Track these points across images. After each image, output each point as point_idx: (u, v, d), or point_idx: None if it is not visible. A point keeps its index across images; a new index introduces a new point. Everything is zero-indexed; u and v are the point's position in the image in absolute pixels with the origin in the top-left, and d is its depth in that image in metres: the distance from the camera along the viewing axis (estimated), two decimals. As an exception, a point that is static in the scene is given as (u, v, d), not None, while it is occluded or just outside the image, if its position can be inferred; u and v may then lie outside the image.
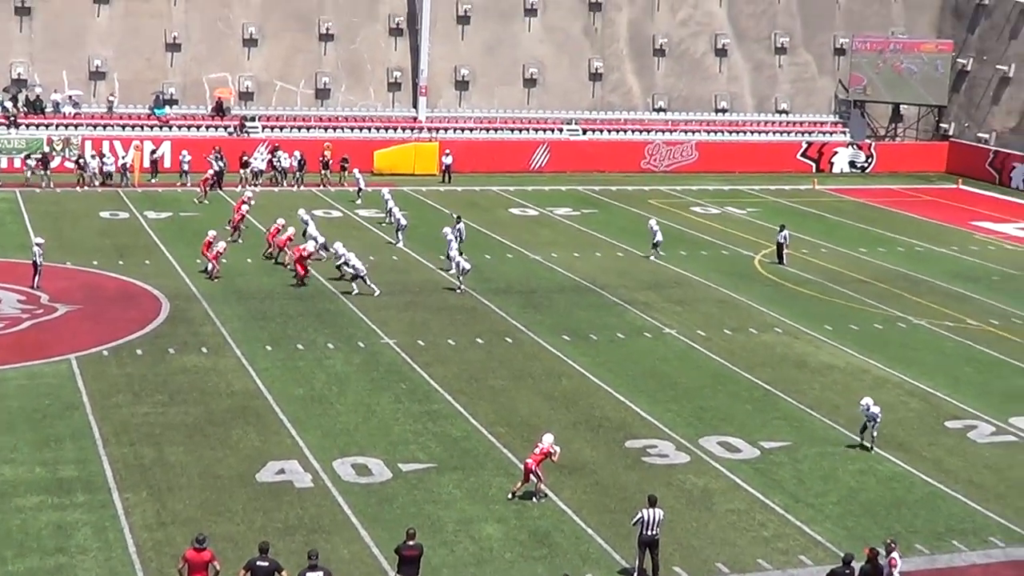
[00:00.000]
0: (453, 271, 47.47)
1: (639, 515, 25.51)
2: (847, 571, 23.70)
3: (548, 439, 29.30)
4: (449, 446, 32.21)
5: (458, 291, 46.32)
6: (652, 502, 25.75)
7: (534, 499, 28.90)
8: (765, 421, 35.17)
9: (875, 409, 33.09)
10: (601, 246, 56.60)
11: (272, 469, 30.11)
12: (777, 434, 34.19)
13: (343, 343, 40.15)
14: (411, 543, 23.70)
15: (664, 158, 79.53)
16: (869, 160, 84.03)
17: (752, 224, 63.83)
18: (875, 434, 33.22)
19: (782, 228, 55.54)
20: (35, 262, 44.22)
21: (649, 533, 25.42)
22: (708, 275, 51.78)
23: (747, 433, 34.04)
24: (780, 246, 54.82)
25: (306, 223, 52.40)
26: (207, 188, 63.53)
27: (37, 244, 44.88)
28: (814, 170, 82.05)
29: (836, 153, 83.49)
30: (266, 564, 22.50)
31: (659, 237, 53.71)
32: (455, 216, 54.38)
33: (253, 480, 29.47)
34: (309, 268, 47.14)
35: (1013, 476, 32.23)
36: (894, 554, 24.34)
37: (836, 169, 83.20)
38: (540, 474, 28.88)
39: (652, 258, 53.29)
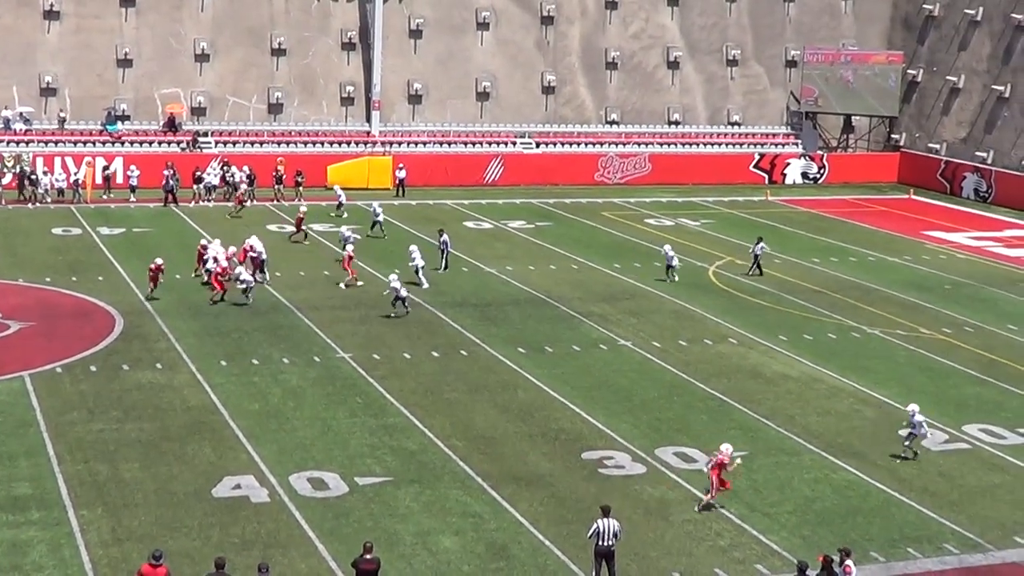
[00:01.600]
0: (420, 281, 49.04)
1: (594, 526, 25.56)
2: (803, 579, 23.84)
3: (727, 448, 29.65)
4: (406, 459, 32.16)
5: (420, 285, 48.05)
6: (606, 512, 25.80)
7: (697, 508, 29.62)
8: (721, 431, 35.27)
9: (919, 417, 33.48)
10: (556, 259, 56.71)
11: (228, 484, 29.96)
12: (733, 444, 34.20)
13: (298, 358, 40.03)
14: (368, 556, 23.67)
15: (617, 170, 79.85)
16: (821, 171, 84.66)
17: (706, 236, 64.14)
18: (918, 443, 33.83)
19: (759, 240, 55.88)
20: None
21: (604, 544, 25.46)
22: (662, 287, 51.98)
23: (703, 443, 34.13)
24: (756, 258, 55.06)
25: (346, 239, 52.53)
26: (240, 203, 63.98)
27: None
28: (767, 181, 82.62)
29: (788, 164, 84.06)
30: None
31: (675, 262, 52.87)
32: (439, 231, 54.47)
33: (209, 495, 29.31)
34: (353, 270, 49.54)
35: (966, 483, 32.50)
36: (848, 562, 24.50)
37: (789, 180, 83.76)
38: (717, 483, 29.36)
39: (668, 282, 52.32)
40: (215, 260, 47.25)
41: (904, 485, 32.08)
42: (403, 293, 45.05)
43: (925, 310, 50.29)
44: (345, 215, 63.40)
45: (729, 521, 29.41)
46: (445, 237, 53.28)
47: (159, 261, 47.04)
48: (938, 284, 55.32)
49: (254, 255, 48.95)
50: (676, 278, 52.33)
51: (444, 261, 52.62)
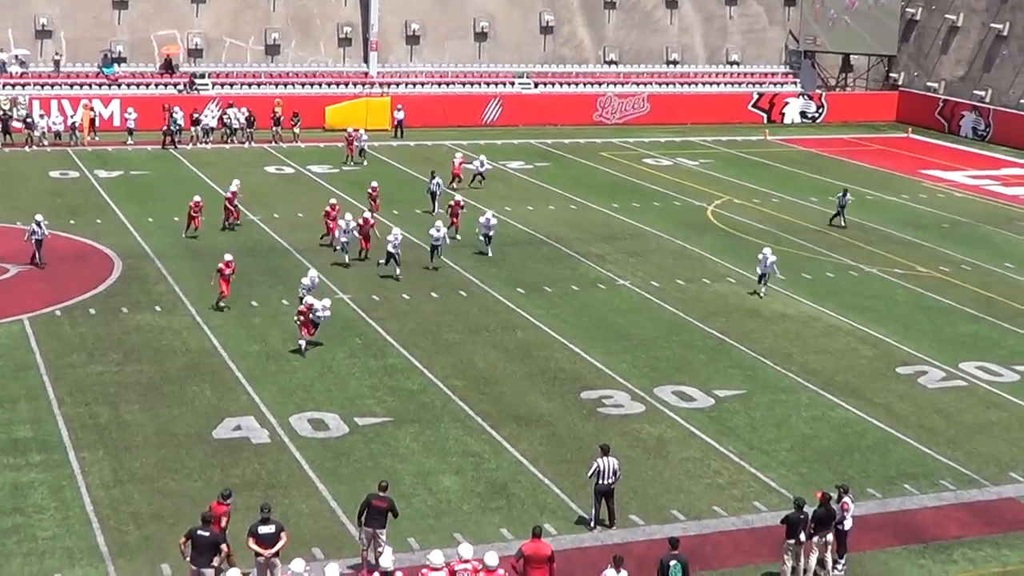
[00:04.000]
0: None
1: (594, 465, 25.70)
2: (801, 516, 23.99)
3: None
4: (405, 400, 32.30)
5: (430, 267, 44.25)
6: (605, 451, 25.95)
7: None
8: (719, 370, 35.45)
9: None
10: (554, 199, 56.66)
11: (228, 426, 30.12)
12: (731, 383, 34.49)
13: (297, 299, 39.99)
14: (382, 494, 23.70)
15: (616, 110, 79.58)
16: (820, 110, 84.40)
17: (704, 175, 64.05)
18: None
19: (845, 192, 54.22)
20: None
21: (604, 482, 25.63)
22: (661, 226, 51.97)
23: (701, 382, 34.30)
24: (842, 208, 53.33)
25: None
26: (350, 152, 63.24)
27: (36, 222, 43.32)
28: (765, 121, 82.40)
29: (787, 104, 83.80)
30: (207, 535, 22.16)
31: (773, 268, 42.33)
32: (431, 172, 54.16)
33: (209, 437, 29.47)
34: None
35: (963, 420, 32.68)
36: (846, 498, 24.65)
37: (787, 119, 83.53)
38: None
39: (760, 294, 42.55)
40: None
41: (901, 422, 32.25)
42: (392, 250, 42.45)
43: (923, 248, 50.33)
44: (366, 163, 62.36)
45: (727, 459, 29.59)
46: (437, 179, 53.00)
47: (198, 199, 47.18)
48: (936, 223, 55.31)
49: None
50: (763, 292, 42.34)
51: (435, 204, 52.31)
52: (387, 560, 21.42)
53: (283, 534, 22.46)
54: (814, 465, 29.49)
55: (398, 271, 42.62)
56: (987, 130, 79.37)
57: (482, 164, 58.83)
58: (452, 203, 49.04)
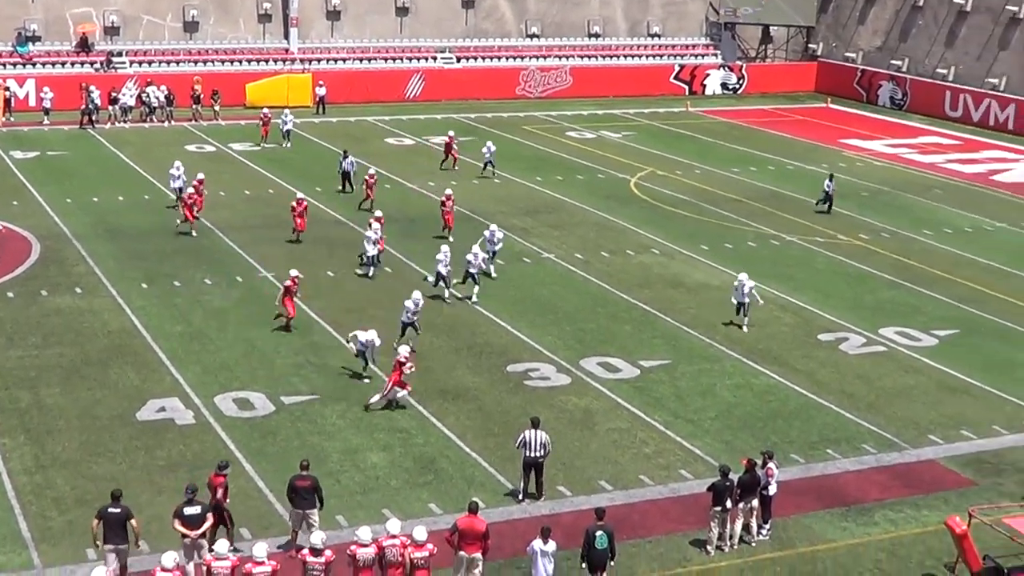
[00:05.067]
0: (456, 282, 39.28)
1: (521, 436, 25.82)
2: (726, 483, 24.25)
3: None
4: (331, 377, 32.21)
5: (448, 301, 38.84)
6: (535, 424, 26.05)
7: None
8: (644, 341, 35.69)
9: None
10: (478, 173, 56.57)
11: (152, 407, 29.87)
12: (656, 353, 34.74)
13: (221, 278, 39.82)
14: (304, 473, 23.67)
15: (539, 84, 79.59)
16: (740, 81, 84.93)
17: (627, 147, 64.29)
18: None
19: (831, 177, 52.58)
20: None
21: (532, 455, 25.74)
22: (585, 199, 52.14)
23: (627, 353, 34.52)
24: (828, 195, 51.27)
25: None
26: (265, 134, 61.75)
27: None
28: (687, 92, 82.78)
29: (708, 75, 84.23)
30: (118, 511, 22.11)
31: (749, 299, 36.91)
32: (343, 151, 53.60)
33: (133, 419, 29.22)
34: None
35: (883, 385, 33.17)
36: (770, 464, 24.96)
37: (708, 91, 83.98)
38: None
39: (743, 327, 37.11)
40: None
41: (823, 388, 32.67)
42: (372, 253, 40.25)
43: (842, 217, 50.88)
44: (289, 146, 61.09)
45: (653, 429, 29.82)
46: (351, 159, 52.43)
47: (300, 196, 45.41)
48: (855, 191, 55.93)
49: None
50: (746, 325, 36.82)
51: (347, 184, 51.75)
52: (316, 538, 21.39)
53: (209, 515, 22.36)
54: (738, 432, 29.80)
55: (447, 293, 38.51)
56: (904, 99, 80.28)
57: (490, 151, 55.62)
58: (367, 176, 48.59)
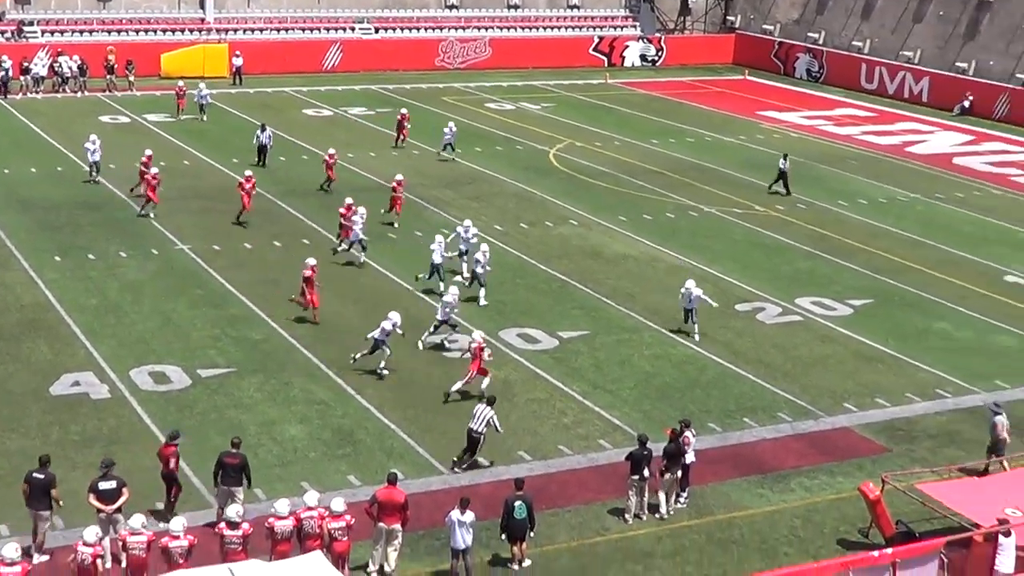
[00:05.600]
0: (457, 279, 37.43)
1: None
2: (644, 452, 24.40)
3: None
4: (249, 350, 31.98)
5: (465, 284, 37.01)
6: (488, 401, 26.30)
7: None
8: (563, 312, 35.78)
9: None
10: (398, 145, 56.27)
11: (66, 381, 29.47)
12: (575, 324, 34.84)
13: (136, 251, 39.33)
14: (233, 451, 23.46)
15: (458, 55, 79.32)
16: (659, 53, 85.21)
17: (546, 119, 64.29)
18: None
19: (785, 156, 51.18)
20: None
21: (471, 427, 25.87)
22: (504, 170, 52.10)
23: (545, 324, 34.59)
24: (783, 174, 50.17)
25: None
26: (181, 105, 59.84)
27: None
28: (606, 64, 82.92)
29: (627, 47, 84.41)
30: (42, 477, 22.04)
31: (697, 303, 34.67)
32: (260, 124, 52.84)
33: (47, 394, 28.80)
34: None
35: (798, 354, 33.52)
36: (687, 433, 25.12)
37: (627, 63, 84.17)
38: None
39: (695, 335, 34.86)
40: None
41: (740, 358, 32.95)
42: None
43: (760, 188, 51.27)
44: (206, 119, 59.85)
45: (572, 399, 29.92)
46: (268, 132, 51.59)
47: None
48: (772, 162, 56.00)
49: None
50: (696, 332, 34.37)
51: (263, 158, 51.00)
52: (232, 511, 21.24)
53: (124, 489, 22.13)
54: (656, 402, 29.99)
55: (482, 293, 36.23)
56: (820, 72, 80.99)
57: (451, 132, 53.68)
58: (327, 156, 47.76)
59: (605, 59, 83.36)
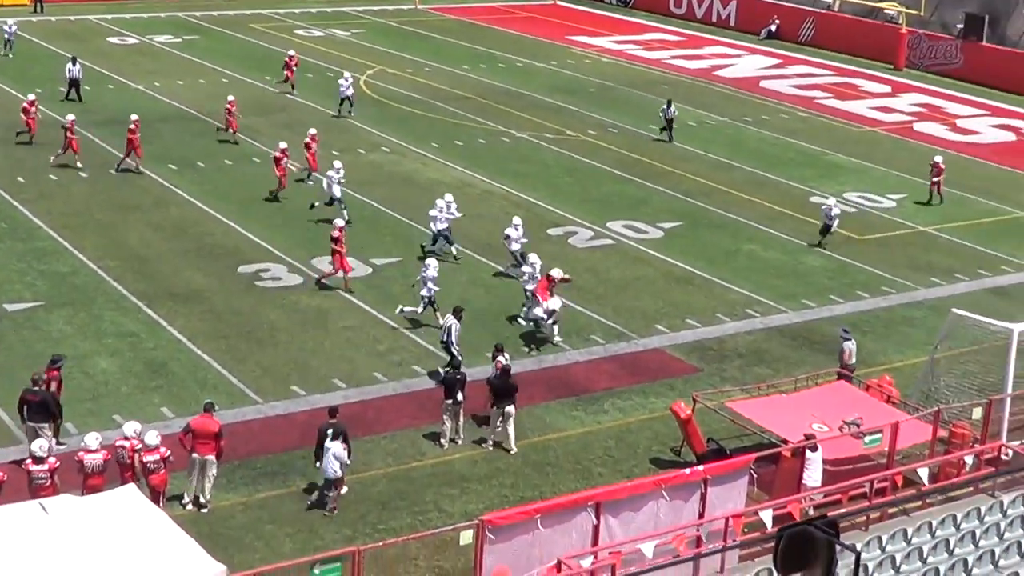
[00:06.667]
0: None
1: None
2: (457, 376, 24.62)
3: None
4: (57, 283, 31.30)
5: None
6: (455, 312, 27.38)
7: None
8: (376, 239, 35.75)
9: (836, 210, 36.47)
10: (205, 73, 55.31)
11: None
12: (388, 251, 34.86)
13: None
14: (35, 389, 22.99)
15: (266, -20, 77.81)
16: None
17: (357, 45, 63.70)
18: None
19: (669, 103, 48.39)
20: None
21: (442, 338, 27.17)
22: (314, 98, 51.54)
23: (359, 251, 34.43)
24: (670, 122, 47.98)
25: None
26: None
27: None
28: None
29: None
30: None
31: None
32: (71, 57, 50.90)
33: None
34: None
35: (610, 277, 34.10)
36: (500, 357, 25.40)
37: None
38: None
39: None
40: None
41: (553, 282, 33.31)
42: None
43: (571, 113, 51.75)
44: (12, 56, 56.62)
45: (386, 326, 30.01)
46: (79, 65, 49.44)
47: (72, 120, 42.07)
48: (583, 87, 56.90)
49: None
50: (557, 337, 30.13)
51: (75, 92, 49.11)
52: (36, 446, 20.88)
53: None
54: (471, 327, 30.11)
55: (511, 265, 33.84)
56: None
57: (347, 85, 49.07)
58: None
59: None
